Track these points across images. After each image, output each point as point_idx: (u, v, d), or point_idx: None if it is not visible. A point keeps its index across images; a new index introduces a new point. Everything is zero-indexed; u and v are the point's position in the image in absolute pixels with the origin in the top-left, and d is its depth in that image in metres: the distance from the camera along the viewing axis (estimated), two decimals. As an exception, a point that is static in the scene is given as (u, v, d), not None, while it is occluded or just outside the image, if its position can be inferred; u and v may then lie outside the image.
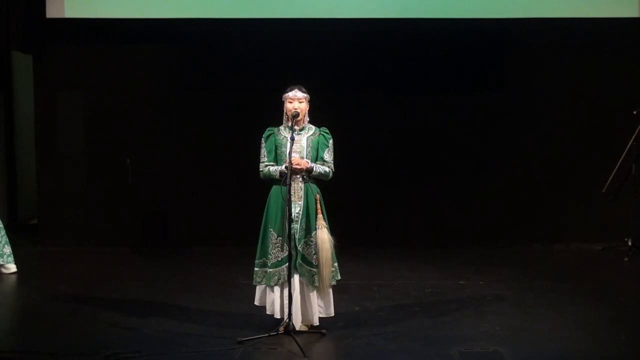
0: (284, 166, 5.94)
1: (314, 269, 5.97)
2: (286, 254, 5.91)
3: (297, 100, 6.02)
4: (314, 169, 6.00)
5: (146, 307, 6.79)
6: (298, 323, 5.94)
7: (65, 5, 9.01)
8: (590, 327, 6.27)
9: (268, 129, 6.15)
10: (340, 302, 6.55)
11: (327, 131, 6.12)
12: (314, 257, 5.98)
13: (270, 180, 6.07)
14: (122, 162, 9.29)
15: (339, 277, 6.17)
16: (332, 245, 6.04)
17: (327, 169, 6.06)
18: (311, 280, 5.98)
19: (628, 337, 6.01)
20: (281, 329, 5.89)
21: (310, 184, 6.04)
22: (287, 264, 5.91)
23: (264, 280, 6.04)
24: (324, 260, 5.97)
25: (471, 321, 6.39)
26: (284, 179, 5.88)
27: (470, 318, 6.48)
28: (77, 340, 5.92)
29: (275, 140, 6.08)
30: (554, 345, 5.82)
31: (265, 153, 6.10)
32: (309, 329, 6.04)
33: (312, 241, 5.99)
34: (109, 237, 9.34)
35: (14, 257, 8.11)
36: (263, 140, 6.13)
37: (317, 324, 6.04)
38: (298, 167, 5.91)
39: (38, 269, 8.52)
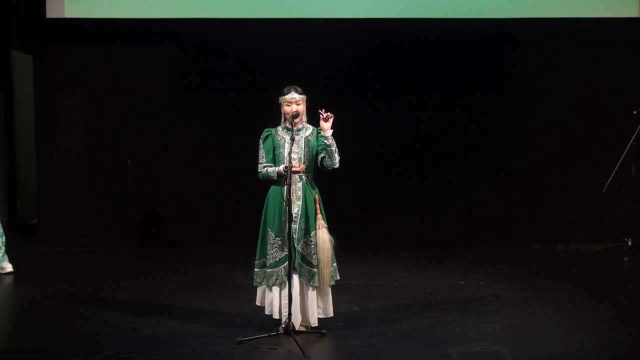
0: (281, 167, 5.94)
1: (314, 269, 5.97)
2: (284, 254, 5.92)
3: (294, 103, 6.02)
4: (332, 142, 5.88)
5: (146, 307, 6.79)
6: (297, 323, 5.94)
7: (65, 5, 9.01)
8: (590, 327, 6.27)
9: (266, 129, 6.14)
10: (340, 302, 6.55)
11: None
12: (314, 257, 5.98)
13: (269, 181, 6.07)
14: (122, 162, 9.29)
15: (338, 277, 6.17)
16: (332, 246, 6.05)
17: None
18: (310, 280, 5.98)
19: (628, 337, 6.01)
20: (281, 329, 5.89)
21: (309, 184, 6.04)
22: (285, 264, 5.91)
23: (264, 280, 6.04)
24: (324, 260, 5.98)
25: (471, 321, 6.39)
26: (284, 180, 5.89)
27: (470, 318, 6.48)
28: (77, 340, 5.92)
29: (273, 141, 6.08)
30: (554, 345, 5.82)
31: (264, 154, 6.09)
32: (307, 329, 6.04)
33: (311, 241, 5.99)
34: (109, 237, 9.34)
35: (14, 257, 8.11)
36: (261, 141, 6.12)
37: (316, 324, 6.04)
38: (295, 168, 5.90)
39: (38, 269, 8.52)
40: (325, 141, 5.93)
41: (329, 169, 6.03)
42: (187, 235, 9.39)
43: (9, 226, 9.42)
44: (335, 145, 5.95)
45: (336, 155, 5.97)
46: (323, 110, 5.91)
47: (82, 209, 9.48)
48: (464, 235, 9.33)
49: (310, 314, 6.02)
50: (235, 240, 8.93)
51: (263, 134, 6.13)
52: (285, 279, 5.91)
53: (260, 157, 6.11)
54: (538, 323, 6.35)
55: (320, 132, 6.03)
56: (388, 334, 6.06)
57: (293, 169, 5.86)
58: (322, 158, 6.02)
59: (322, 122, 5.92)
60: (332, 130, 5.92)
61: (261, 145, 6.11)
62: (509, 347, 5.71)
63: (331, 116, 5.91)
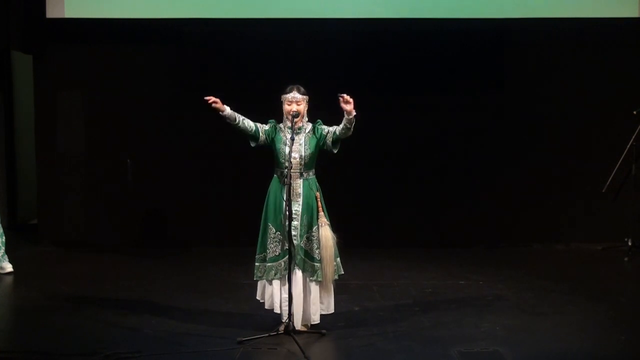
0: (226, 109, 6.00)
1: (317, 264, 5.98)
2: (284, 248, 5.93)
3: (295, 103, 6.02)
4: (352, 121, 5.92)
5: (146, 307, 6.79)
6: (299, 322, 5.94)
7: (65, 5, 9.02)
8: (590, 327, 6.27)
9: (272, 120, 6.14)
10: (341, 302, 6.55)
11: (319, 121, 6.11)
12: (316, 251, 5.99)
13: (270, 171, 6.10)
14: (122, 162, 9.29)
15: (342, 272, 6.18)
16: (335, 243, 6.06)
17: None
18: (314, 275, 5.98)
19: (628, 337, 6.01)
20: (281, 329, 5.89)
21: (310, 180, 6.05)
22: (285, 258, 5.94)
23: (264, 275, 6.05)
24: (327, 258, 5.99)
25: (471, 321, 6.39)
26: (284, 179, 5.90)
27: (470, 318, 6.48)
28: (77, 340, 5.92)
29: (276, 133, 6.07)
30: (554, 345, 5.82)
31: (262, 124, 6.08)
32: (308, 328, 6.04)
33: (313, 236, 6.00)
34: (109, 237, 9.35)
35: (14, 257, 8.11)
36: (268, 123, 6.12)
37: (319, 321, 6.05)
38: (348, 105, 5.82)
39: (38, 269, 8.52)
40: (347, 124, 5.90)
41: (344, 139, 6.01)
42: (187, 235, 9.39)
43: (9, 226, 9.42)
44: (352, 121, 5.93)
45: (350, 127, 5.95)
46: (344, 95, 5.85)
47: (82, 209, 9.48)
48: (464, 235, 9.33)
49: (313, 311, 6.03)
50: (235, 240, 8.93)
51: (271, 121, 6.12)
52: (285, 273, 5.93)
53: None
54: (538, 323, 6.35)
55: (318, 125, 6.07)
56: (388, 334, 6.06)
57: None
58: (334, 135, 5.99)
59: (343, 105, 5.86)
60: (354, 112, 5.89)
61: (266, 125, 6.11)
62: (509, 347, 5.71)
63: (350, 101, 5.86)
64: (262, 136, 6.08)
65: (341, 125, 5.96)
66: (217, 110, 6.02)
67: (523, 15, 9.06)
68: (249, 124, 6.08)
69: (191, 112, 9.34)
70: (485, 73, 9.37)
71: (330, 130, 6.04)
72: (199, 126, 9.33)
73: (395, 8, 9.05)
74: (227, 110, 6.04)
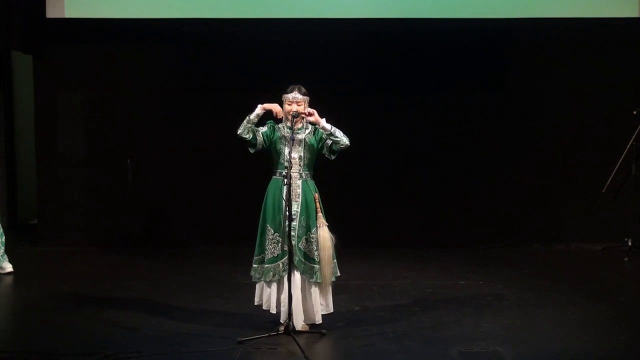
0: (257, 110, 6.02)
1: (316, 265, 5.98)
2: (283, 249, 5.93)
3: (295, 103, 6.03)
4: (331, 128, 5.97)
5: (146, 307, 6.79)
6: (300, 323, 5.94)
7: (65, 5, 9.02)
8: (590, 327, 6.27)
9: (270, 121, 6.14)
10: (340, 302, 6.56)
11: None
12: (315, 253, 5.99)
13: (269, 172, 6.09)
14: (123, 162, 9.29)
15: (339, 274, 6.18)
16: (333, 244, 6.06)
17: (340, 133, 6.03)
18: (313, 276, 5.98)
19: (628, 337, 6.01)
20: (281, 329, 5.90)
21: (309, 181, 6.05)
22: (283, 259, 5.93)
23: (262, 276, 6.05)
24: (325, 259, 5.99)
25: (471, 321, 6.39)
26: (283, 179, 5.90)
27: (470, 318, 6.48)
28: (77, 340, 5.92)
29: (274, 134, 6.08)
30: (554, 345, 5.82)
31: (261, 128, 6.09)
32: (310, 328, 6.05)
33: (312, 237, 6.00)
34: (109, 237, 9.35)
35: (14, 257, 8.11)
36: (266, 125, 6.13)
37: (321, 321, 6.05)
38: (311, 117, 5.94)
39: (38, 269, 8.52)
40: (325, 132, 5.98)
41: (343, 149, 6.05)
42: (187, 235, 9.39)
43: (9, 226, 9.43)
44: (336, 129, 5.99)
45: (343, 137, 6.00)
46: (304, 112, 5.98)
47: (82, 209, 9.47)
48: (464, 235, 9.33)
49: (315, 311, 6.03)
50: (235, 240, 8.91)
51: (269, 122, 6.13)
52: (284, 274, 5.93)
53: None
54: (538, 323, 6.35)
55: (318, 128, 6.06)
56: (388, 334, 6.06)
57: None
58: (331, 145, 6.03)
59: (309, 119, 5.98)
60: (324, 119, 5.97)
61: (263, 127, 6.11)
62: (509, 347, 5.71)
63: (312, 112, 5.96)
64: (259, 138, 6.08)
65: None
66: (263, 109, 6.03)
67: (523, 15, 9.06)
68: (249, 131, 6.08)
69: (191, 112, 9.36)
70: (485, 73, 9.37)
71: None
72: (198, 126, 9.33)
73: (395, 8, 9.05)
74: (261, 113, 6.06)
